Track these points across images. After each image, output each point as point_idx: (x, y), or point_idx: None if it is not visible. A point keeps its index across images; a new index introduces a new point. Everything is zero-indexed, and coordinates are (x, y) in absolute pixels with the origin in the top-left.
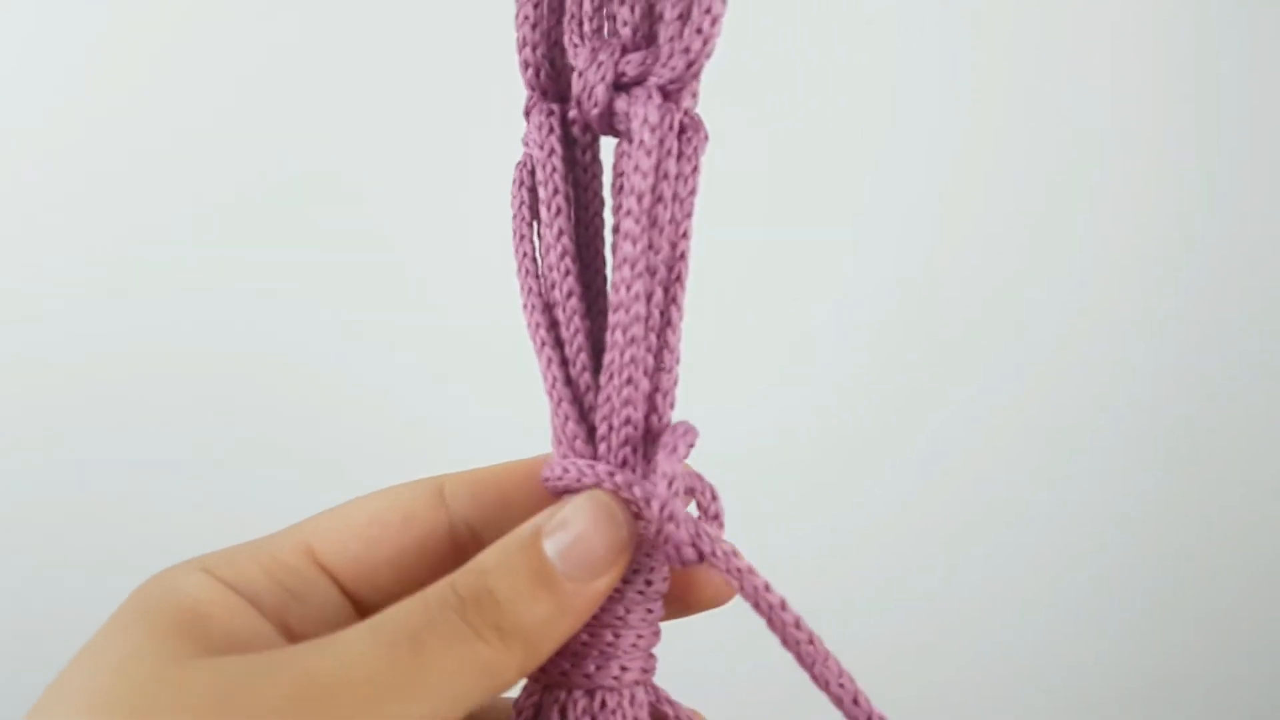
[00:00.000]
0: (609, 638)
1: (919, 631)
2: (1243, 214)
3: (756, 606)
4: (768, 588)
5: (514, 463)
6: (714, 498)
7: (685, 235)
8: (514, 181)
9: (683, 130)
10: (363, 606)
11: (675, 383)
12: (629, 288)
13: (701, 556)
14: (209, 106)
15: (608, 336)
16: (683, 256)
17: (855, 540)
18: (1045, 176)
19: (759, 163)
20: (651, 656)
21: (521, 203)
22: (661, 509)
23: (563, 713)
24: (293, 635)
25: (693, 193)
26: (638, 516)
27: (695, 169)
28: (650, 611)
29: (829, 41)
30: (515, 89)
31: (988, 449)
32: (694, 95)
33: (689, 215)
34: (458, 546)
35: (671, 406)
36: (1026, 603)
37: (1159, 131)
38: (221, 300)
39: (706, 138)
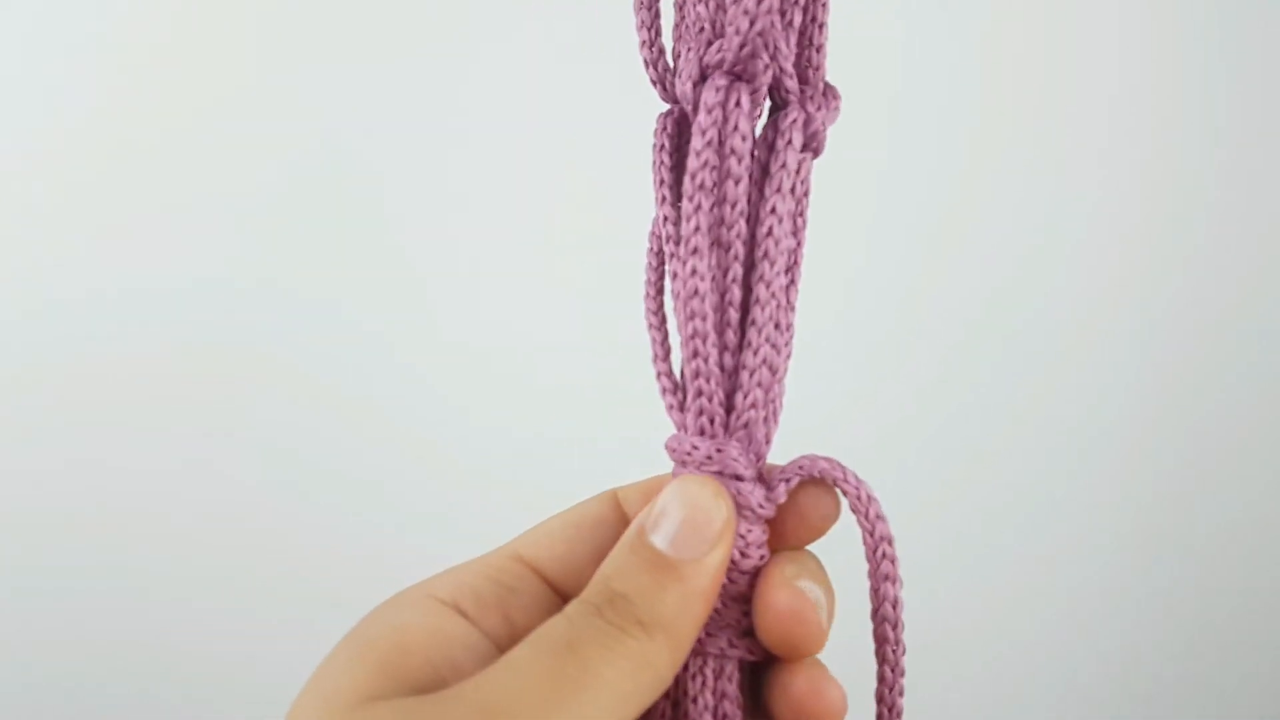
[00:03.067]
0: (717, 605)
1: (919, 632)
2: (1243, 214)
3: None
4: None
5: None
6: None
7: (774, 212)
8: (654, 180)
9: (782, 106)
10: (570, 599)
11: (764, 362)
12: (684, 262)
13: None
14: (210, 106)
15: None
16: (770, 234)
17: (855, 540)
18: (1046, 177)
19: None
20: (744, 634)
21: (662, 198)
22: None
23: (717, 676)
24: (513, 629)
25: (784, 167)
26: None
27: (789, 143)
28: (748, 589)
29: (833, 41)
30: (519, 93)
31: (989, 450)
32: (815, 68)
33: (780, 191)
34: None
35: (759, 386)
36: (1028, 603)
37: (1160, 131)
38: (222, 299)
39: (823, 109)
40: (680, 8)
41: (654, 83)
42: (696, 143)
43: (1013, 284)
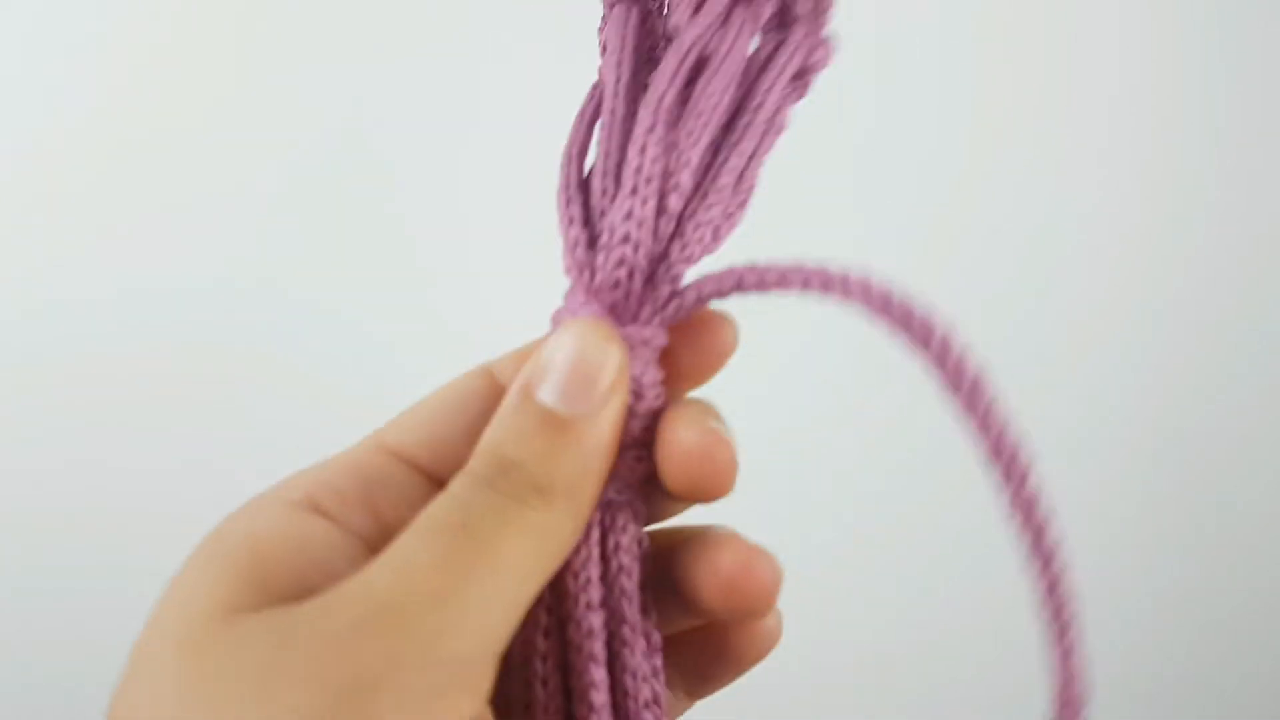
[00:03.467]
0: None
1: (921, 632)
2: (1243, 214)
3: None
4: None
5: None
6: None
7: (769, 89)
8: (588, 98)
9: (788, 26)
10: (445, 484)
11: (724, 218)
12: (655, 88)
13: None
14: (210, 106)
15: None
16: (761, 107)
17: (857, 541)
18: (1045, 177)
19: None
20: (640, 480)
21: (591, 97)
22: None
23: (613, 528)
24: (382, 525)
25: (780, 74)
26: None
27: (790, 59)
28: (643, 436)
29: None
30: (524, 91)
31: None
32: (821, 11)
33: (773, 88)
34: None
35: (708, 240)
36: (1027, 603)
37: (1160, 131)
38: (222, 300)
39: (815, 51)
40: None
41: None
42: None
43: (1012, 284)
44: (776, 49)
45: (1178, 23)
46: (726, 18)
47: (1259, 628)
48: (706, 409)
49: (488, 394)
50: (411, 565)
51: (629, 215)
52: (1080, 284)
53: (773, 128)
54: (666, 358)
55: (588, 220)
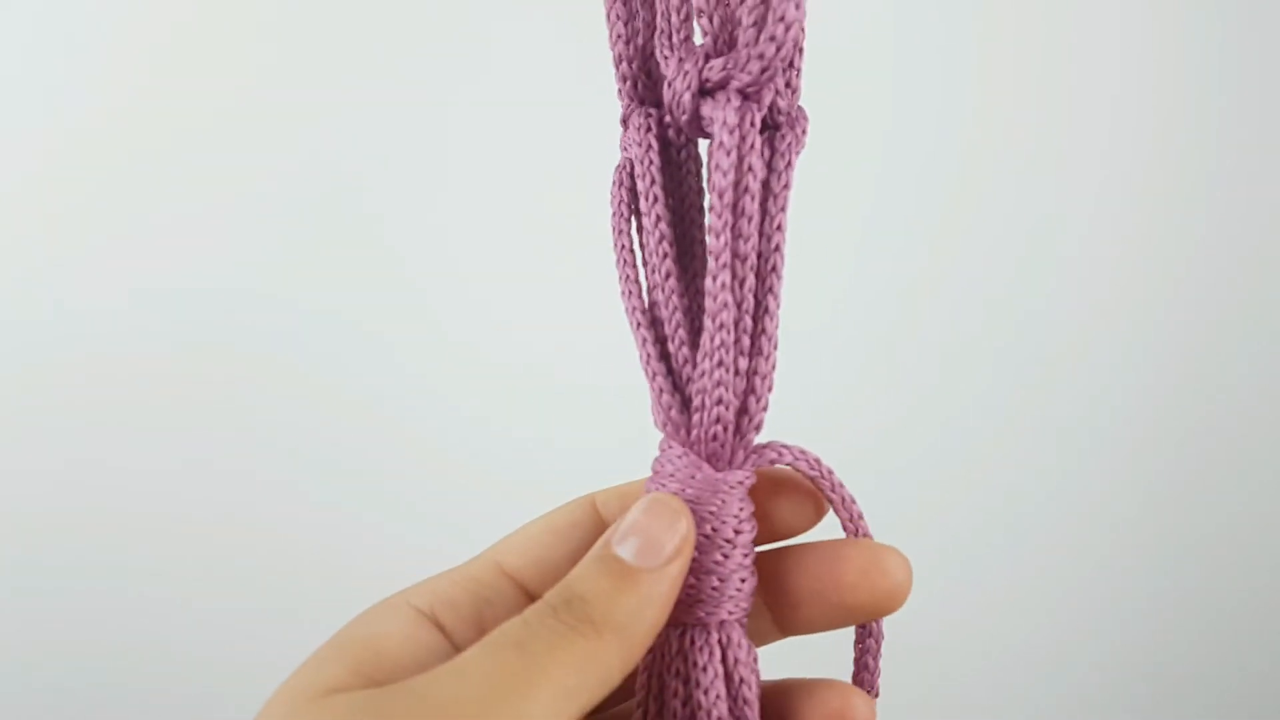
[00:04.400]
0: (714, 583)
1: (919, 632)
2: (1244, 215)
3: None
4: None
5: None
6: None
7: (779, 227)
8: (614, 183)
9: (775, 128)
10: None
11: (773, 367)
12: (715, 277)
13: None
14: (213, 108)
15: (703, 322)
16: (777, 248)
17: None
18: (1045, 177)
19: None
20: (749, 598)
21: (621, 200)
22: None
23: (684, 645)
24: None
25: (786, 186)
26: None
27: (788, 164)
28: (745, 560)
29: (833, 42)
30: (523, 96)
31: (987, 450)
32: (793, 91)
33: (782, 208)
34: None
35: (769, 389)
36: (1026, 603)
37: (1160, 131)
38: (222, 301)
39: (804, 132)
40: (651, 4)
41: (626, 79)
42: (722, 160)
43: (1012, 285)
44: (771, 169)
45: (1179, 22)
46: (752, 146)
47: (1259, 627)
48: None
49: (590, 525)
50: (471, 672)
51: (719, 383)
52: (1079, 285)
53: (783, 258)
54: (765, 515)
55: (676, 386)
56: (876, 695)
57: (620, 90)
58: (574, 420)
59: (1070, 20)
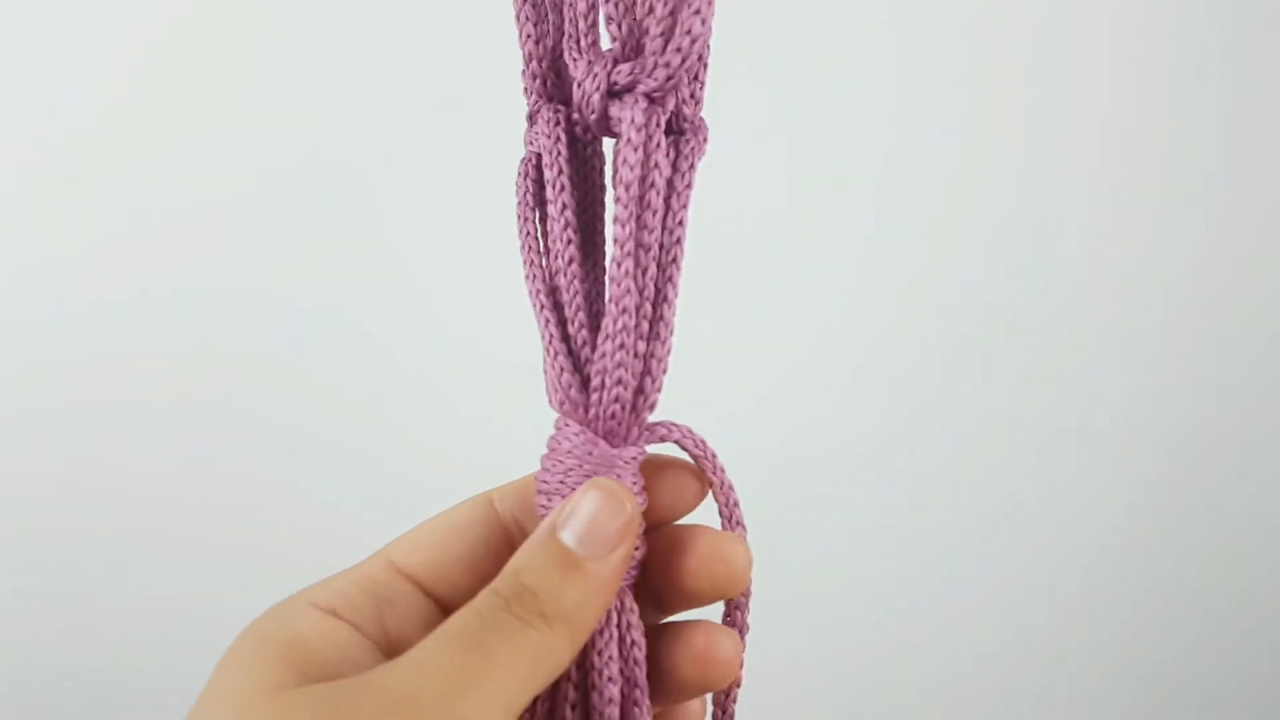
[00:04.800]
0: None
1: (924, 631)
2: (1244, 215)
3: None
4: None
5: None
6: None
7: (680, 223)
8: (519, 174)
9: (680, 132)
10: (444, 603)
11: (668, 351)
12: (619, 264)
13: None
14: (213, 108)
15: (605, 305)
16: (678, 241)
17: (860, 542)
18: (1046, 177)
19: (765, 169)
20: (637, 565)
21: (526, 191)
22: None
23: None
24: (389, 637)
25: (688, 186)
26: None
27: (691, 165)
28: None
29: (836, 43)
30: (516, 103)
31: (991, 451)
32: (696, 101)
33: (685, 205)
34: (512, 544)
35: (664, 371)
36: (1030, 603)
37: (1161, 133)
38: (222, 302)
39: (705, 140)
40: (560, 9)
41: (535, 77)
42: (630, 156)
43: (1012, 285)
44: (675, 169)
45: (1179, 21)
46: (657, 146)
47: (1258, 627)
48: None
49: (486, 523)
50: (430, 666)
51: (619, 364)
52: (1079, 285)
53: (683, 250)
54: (650, 494)
55: (575, 366)
56: (743, 633)
57: (528, 88)
58: None
59: (1070, 21)
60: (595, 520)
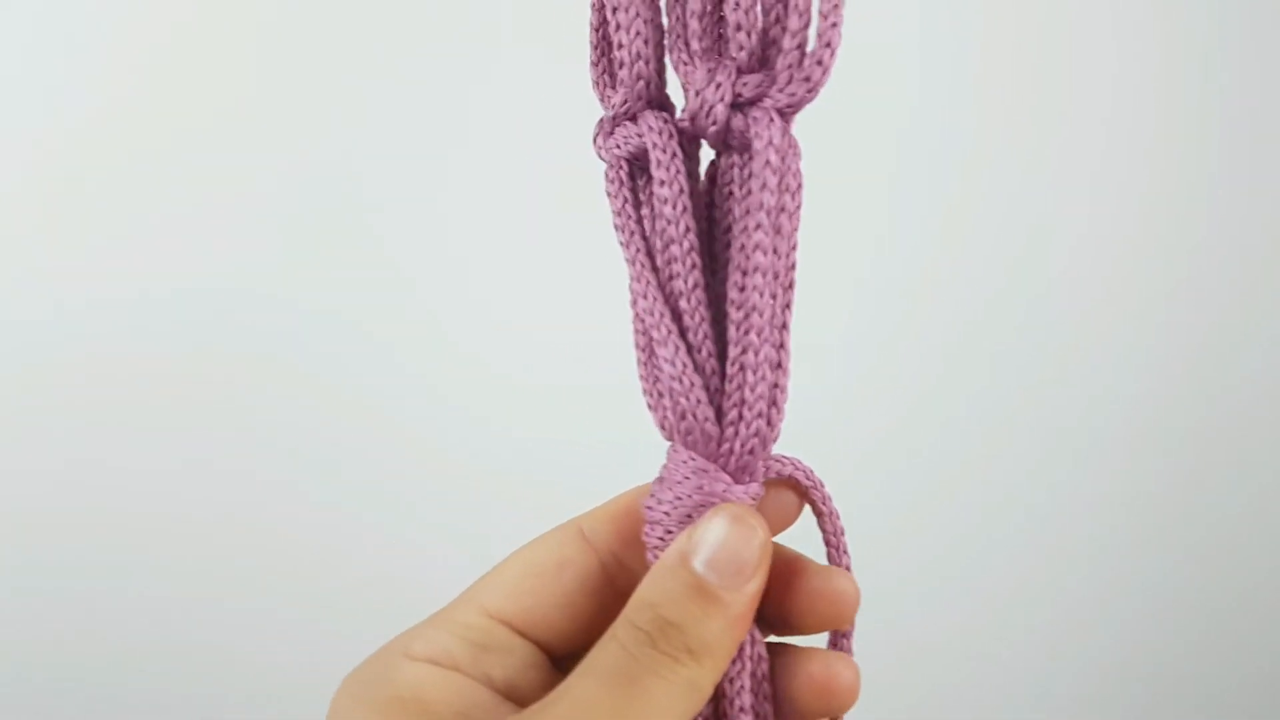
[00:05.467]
0: None
1: (924, 632)
2: (1243, 215)
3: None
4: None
5: (638, 489)
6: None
7: (794, 245)
8: (612, 183)
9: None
10: (546, 647)
11: (788, 381)
12: (762, 293)
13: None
14: (213, 108)
15: (733, 333)
16: (793, 265)
17: (860, 543)
18: (1046, 176)
19: None
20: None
21: (625, 201)
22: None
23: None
24: (495, 685)
25: (799, 206)
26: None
27: (801, 185)
28: None
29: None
30: (519, 97)
31: (992, 451)
32: None
33: (797, 227)
34: (609, 577)
35: (786, 403)
36: (1030, 603)
37: (1165, 133)
38: (222, 302)
39: (800, 155)
40: (671, 9)
41: (641, 78)
42: (768, 179)
43: (1013, 286)
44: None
45: (1180, 21)
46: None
47: (1257, 628)
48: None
49: (581, 562)
50: (588, 704)
51: (761, 397)
52: (1079, 285)
53: (795, 274)
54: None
55: (710, 397)
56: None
57: (619, 93)
58: (573, 420)
59: (1072, 18)
60: (728, 548)
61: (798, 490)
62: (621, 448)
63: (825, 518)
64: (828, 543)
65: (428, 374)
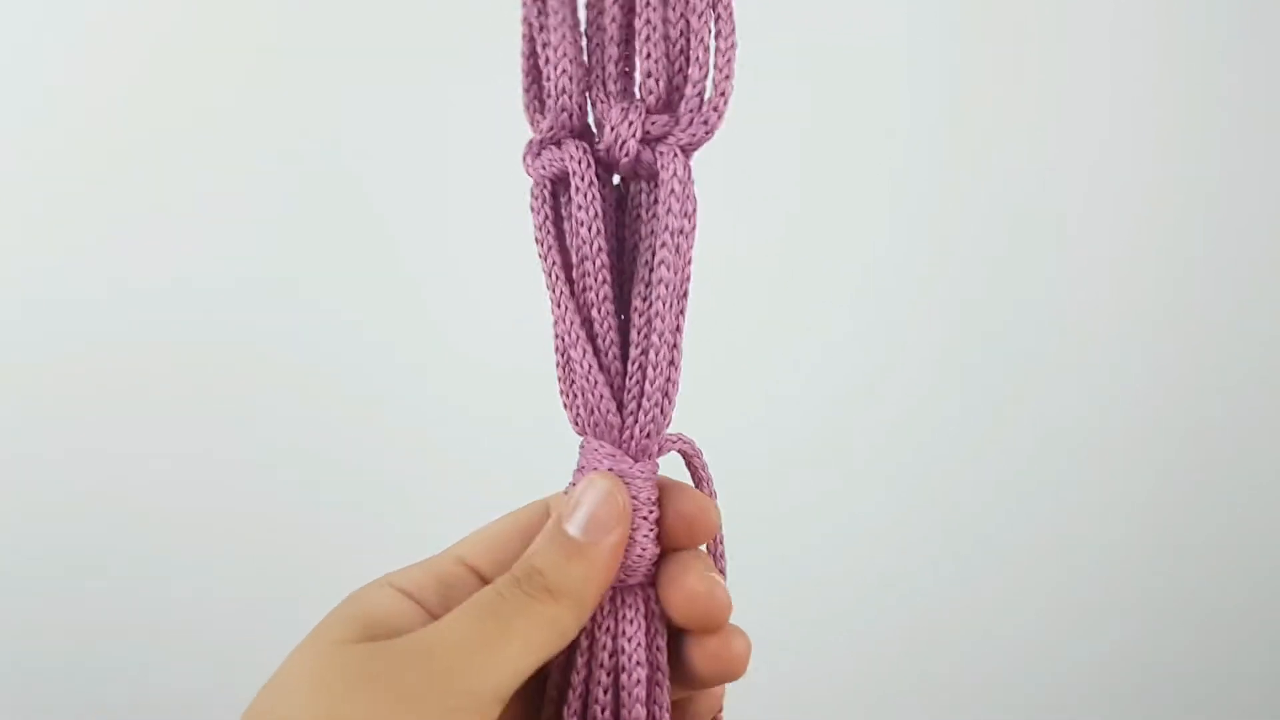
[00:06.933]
0: (637, 553)
1: (925, 631)
2: (1243, 214)
3: None
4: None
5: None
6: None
7: (690, 261)
8: (536, 199)
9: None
10: None
11: (680, 376)
12: (664, 302)
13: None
14: (213, 107)
15: (635, 336)
16: (688, 278)
17: (860, 543)
18: (1046, 176)
19: (767, 173)
20: (654, 564)
21: (545, 218)
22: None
23: (615, 603)
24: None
25: (695, 228)
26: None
27: (696, 209)
28: (653, 533)
29: (839, 45)
30: (515, 103)
31: (992, 452)
32: None
33: (692, 245)
34: None
35: (677, 394)
36: (1031, 603)
37: (1161, 130)
38: (221, 299)
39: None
40: (592, 52)
41: (564, 110)
42: (674, 206)
43: (1013, 284)
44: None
45: (1180, 20)
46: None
47: (1260, 627)
48: (703, 559)
49: (542, 524)
50: (455, 628)
51: (658, 389)
52: (1080, 284)
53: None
54: (662, 527)
55: (613, 393)
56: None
57: (546, 120)
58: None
59: (1072, 17)
60: (592, 510)
61: (684, 457)
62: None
63: (703, 482)
64: (693, 482)
65: (428, 374)
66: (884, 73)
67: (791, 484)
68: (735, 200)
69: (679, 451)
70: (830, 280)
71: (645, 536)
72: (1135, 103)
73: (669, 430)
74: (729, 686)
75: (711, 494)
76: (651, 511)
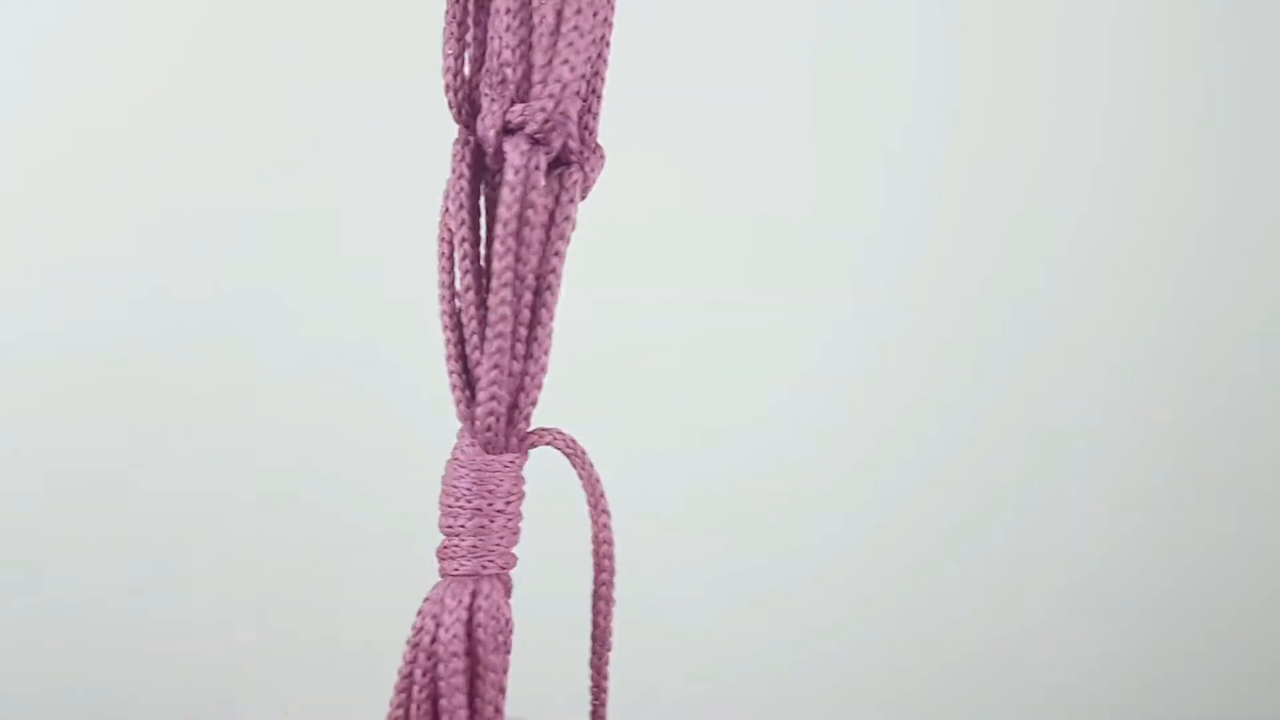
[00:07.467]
0: (491, 543)
1: (925, 632)
2: (1243, 214)
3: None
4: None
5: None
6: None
7: (558, 254)
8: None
9: (567, 164)
10: None
11: (543, 369)
12: (495, 294)
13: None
14: (213, 105)
15: (487, 330)
16: (554, 270)
17: (862, 543)
18: (1047, 175)
19: (766, 173)
20: (507, 554)
21: (444, 212)
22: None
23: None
24: None
25: (567, 218)
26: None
27: (571, 199)
28: (509, 524)
29: (838, 46)
30: None
31: (993, 452)
32: (590, 132)
33: (563, 236)
34: None
35: (538, 388)
36: (1032, 603)
37: (1161, 129)
38: (221, 299)
39: (594, 170)
40: (482, 44)
41: (451, 105)
42: (506, 195)
43: (1014, 288)
44: (557, 203)
45: (1180, 19)
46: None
47: (1260, 628)
48: None
49: None
50: None
51: (494, 382)
52: (1080, 284)
53: (559, 278)
54: None
55: (468, 384)
56: None
57: (453, 115)
58: (573, 420)
59: (1072, 16)
60: None
61: (565, 455)
62: (622, 447)
63: (586, 481)
64: (589, 503)
65: (425, 371)
66: (884, 73)
67: (791, 484)
68: (733, 200)
69: (553, 448)
70: (830, 280)
71: (490, 528)
72: (1137, 96)
73: (555, 427)
74: (729, 686)
75: (596, 494)
76: (508, 503)
